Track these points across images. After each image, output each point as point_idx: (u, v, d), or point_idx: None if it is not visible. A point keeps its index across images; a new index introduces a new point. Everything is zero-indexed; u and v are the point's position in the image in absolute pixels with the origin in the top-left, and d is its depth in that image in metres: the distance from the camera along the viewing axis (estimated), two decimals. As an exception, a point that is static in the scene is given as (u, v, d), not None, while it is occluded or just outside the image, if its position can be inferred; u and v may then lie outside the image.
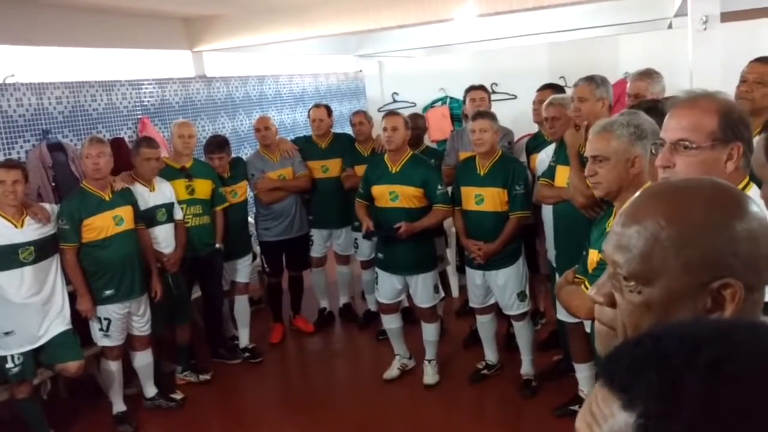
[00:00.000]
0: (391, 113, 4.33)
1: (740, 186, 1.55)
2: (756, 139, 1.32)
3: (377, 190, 4.28)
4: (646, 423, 0.54)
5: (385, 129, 4.20)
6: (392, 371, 4.53)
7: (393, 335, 4.55)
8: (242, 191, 5.06)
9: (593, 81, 3.41)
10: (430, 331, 4.42)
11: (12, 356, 3.70)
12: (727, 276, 0.86)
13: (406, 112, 5.70)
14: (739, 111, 1.60)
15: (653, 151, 1.67)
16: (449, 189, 4.30)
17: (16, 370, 3.72)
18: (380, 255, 4.38)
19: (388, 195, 4.22)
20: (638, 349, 0.59)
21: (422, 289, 4.30)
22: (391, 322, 4.51)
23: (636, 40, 6.13)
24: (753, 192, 1.47)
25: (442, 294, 4.50)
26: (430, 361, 4.46)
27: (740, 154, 1.57)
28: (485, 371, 4.41)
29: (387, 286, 4.37)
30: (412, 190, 4.16)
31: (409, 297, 4.61)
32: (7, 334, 3.67)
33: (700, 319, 0.64)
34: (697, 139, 1.57)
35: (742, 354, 0.55)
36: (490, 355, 4.42)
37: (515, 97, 6.16)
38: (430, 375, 4.43)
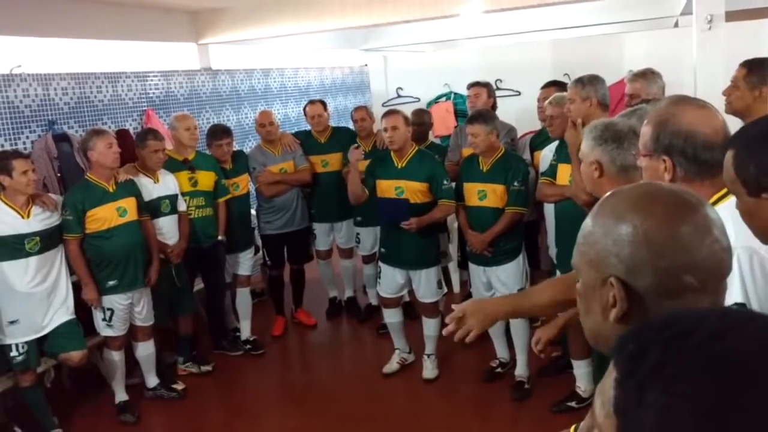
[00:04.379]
0: (391, 112, 4.30)
1: (711, 198, 1.55)
2: (726, 156, 1.35)
3: (383, 184, 4.30)
4: (618, 379, 0.64)
5: (385, 129, 4.21)
6: (392, 365, 4.56)
7: (393, 329, 4.57)
8: (244, 184, 5.08)
9: (580, 82, 3.46)
10: (430, 326, 4.43)
11: (16, 345, 3.74)
12: (612, 274, 0.93)
13: (410, 107, 5.76)
14: (679, 125, 1.60)
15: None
16: (453, 184, 4.32)
17: (20, 358, 3.76)
18: (383, 249, 4.41)
19: (394, 190, 4.24)
20: (634, 329, 0.68)
21: (425, 284, 4.33)
22: (392, 316, 4.53)
23: (641, 38, 6.12)
24: (727, 204, 1.47)
25: (446, 290, 4.53)
26: (429, 355, 4.48)
27: (671, 168, 1.59)
28: (499, 369, 4.38)
29: (390, 280, 4.39)
30: (418, 185, 4.19)
31: (410, 292, 4.63)
32: (11, 323, 3.71)
33: (698, 308, 0.71)
34: (642, 148, 1.67)
35: (701, 330, 0.61)
36: (502, 352, 4.40)
37: (519, 93, 6.15)
38: (429, 369, 4.45)
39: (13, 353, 3.74)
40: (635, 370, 0.62)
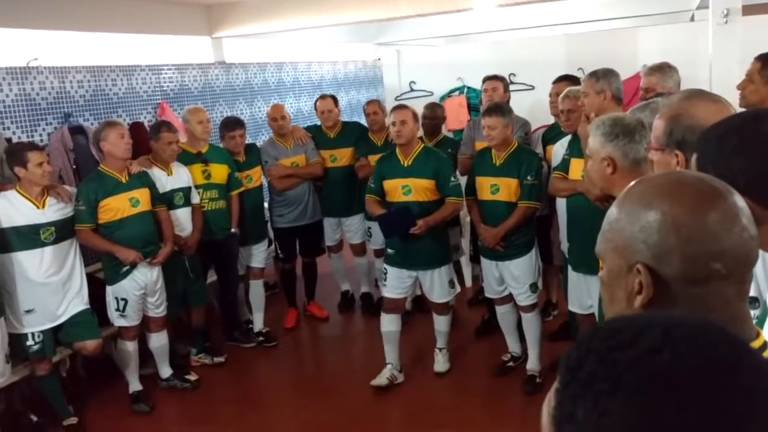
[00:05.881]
0: (400, 107, 4.24)
1: None
2: (691, 161, 1.37)
3: (390, 184, 4.22)
4: (557, 389, 0.63)
5: (393, 123, 4.15)
6: (381, 379, 4.28)
7: (389, 340, 4.33)
8: (257, 177, 5.11)
9: (594, 75, 3.43)
10: (442, 322, 4.41)
11: (32, 334, 3.79)
12: (639, 261, 0.93)
13: (423, 101, 5.77)
14: (692, 120, 1.60)
15: None
16: (465, 178, 4.31)
17: (36, 347, 3.80)
18: (391, 251, 4.27)
19: (401, 189, 4.17)
20: (586, 333, 0.66)
21: (438, 285, 4.25)
22: (391, 324, 4.32)
23: (656, 32, 6.09)
24: None
25: (458, 288, 4.47)
26: (441, 349, 4.45)
27: (683, 162, 1.59)
28: (511, 363, 4.38)
29: (396, 283, 4.27)
30: (425, 183, 4.12)
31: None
32: (28, 312, 3.76)
33: (642, 314, 0.70)
34: (654, 142, 1.67)
35: (639, 344, 0.59)
36: (514, 346, 4.39)
37: (533, 87, 6.14)
38: (441, 363, 4.43)
39: (29, 342, 3.79)
40: (570, 381, 0.61)
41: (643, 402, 0.55)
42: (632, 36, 6.07)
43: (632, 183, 1.02)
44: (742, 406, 0.55)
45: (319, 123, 5.45)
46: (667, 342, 0.59)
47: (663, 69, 3.82)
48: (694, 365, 0.57)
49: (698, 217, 0.90)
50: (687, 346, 0.59)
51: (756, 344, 0.92)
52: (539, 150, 4.67)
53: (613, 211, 0.99)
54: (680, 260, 0.90)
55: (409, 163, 4.18)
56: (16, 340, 3.79)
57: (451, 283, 4.31)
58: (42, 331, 3.80)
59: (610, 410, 0.56)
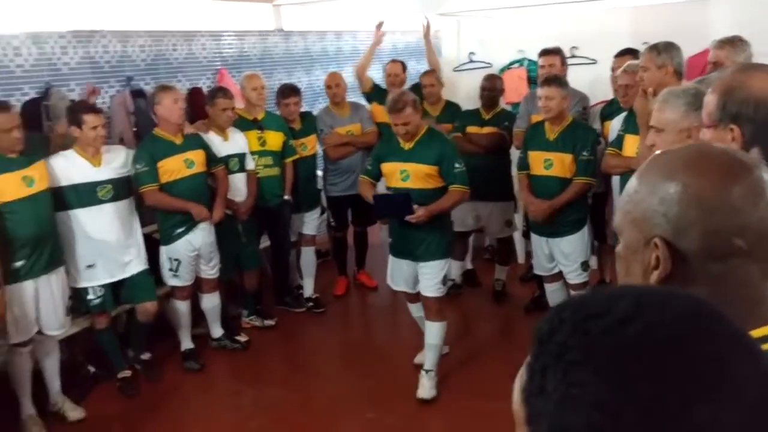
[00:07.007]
0: (398, 108, 3.67)
1: None
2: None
3: (387, 167, 3.85)
4: (528, 362, 0.61)
5: (395, 124, 3.73)
6: (422, 357, 4.11)
7: (420, 322, 4.11)
8: (312, 145, 5.14)
9: (655, 48, 3.27)
10: (432, 332, 3.89)
11: (92, 288, 3.94)
12: (657, 235, 0.89)
13: (482, 73, 5.68)
14: (748, 92, 1.51)
15: None
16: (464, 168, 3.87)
17: (96, 301, 3.95)
18: (390, 239, 4.00)
19: (399, 174, 3.79)
20: (559, 304, 0.64)
21: (428, 277, 3.83)
22: (417, 311, 4.08)
23: (729, 4, 5.79)
24: None
25: (446, 287, 4.05)
26: (428, 371, 3.89)
27: (739, 138, 1.51)
28: None
29: (398, 275, 3.97)
30: (426, 169, 3.71)
31: (474, 258, 4.45)
32: (88, 267, 3.90)
33: (627, 287, 0.66)
34: (706, 118, 1.59)
35: (611, 313, 0.57)
36: None
37: (595, 61, 5.93)
38: (425, 388, 3.84)
39: (90, 296, 3.94)
40: (540, 353, 0.59)
41: (613, 373, 0.54)
42: (703, 8, 5.79)
43: (654, 154, 0.98)
44: (712, 377, 0.53)
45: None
46: (639, 312, 0.57)
47: (734, 42, 3.63)
48: (664, 336, 0.55)
49: (721, 190, 0.87)
50: (658, 316, 0.57)
51: (760, 333, 0.86)
52: (597, 126, 4.55)
53: (632, 183, 0.96)
54: (700, 234, 0.87)
55: (411, 146, 3.78)
56: (77, 294, 3.96)
57: (443, 280, 3.90)
58: (102, 286, 3.94)
59: (579, 381, 0.54)
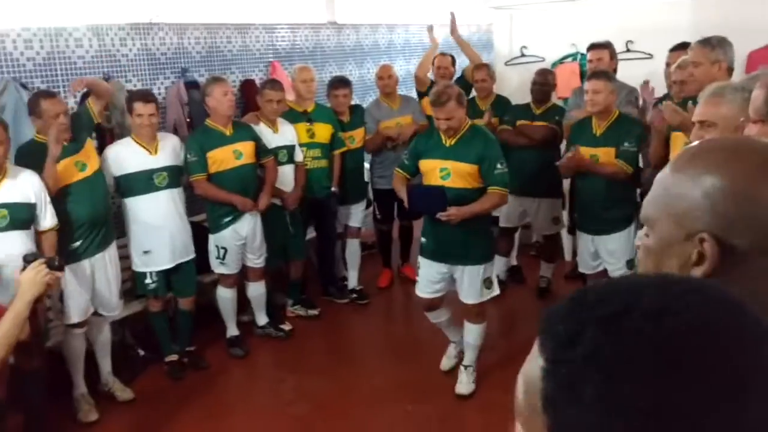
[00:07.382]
0: (441, 102, 3.51)
1: None
2: None
3: (426, 164, 3.68)
4: (546, 368, 0.55)
5: (437, 118, 3.59)
6: (449, 360, 4.10)
7: (443, 327, 4.02)
8: (360, 138, 5.17)
9: (708, 43, 3.17)
10: (472, 333, 3.84)
11: (150, 273, 4.08)
12: (704, 230, 0.86)
13: (534, 67, 5.61)
14: None
15: None
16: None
17: (153, 285, 4.10)
18: (423, 239, 3.79)
19: (439, 172, 3.60)
20: (567, 300, 0.59)
21: (468, 283, 3.70)
22: (437, 317, 3.94)
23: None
24: None
25: (497, 291, 3.87)
26: (466, 367, 3.89)
27: None
28: None
29: (427, 280, 3.78)
30: (467, 168, 3.54)
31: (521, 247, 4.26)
32: (145, 252, 4.04)
33: (640, 277, 0.61)
34: (753, 113, 1.56)
35: (639, 308, 0.54)
36: None
37: (651, 56, 5.79)
38: (464, 383, 3.86)
39: (148, 280, 4.08)
40: (567, 357, 0.53)
41: (657, 377, 0.51)
42: (766, 1, 5.58)
43: (692, 145, 0.95)
44: (754, 372, 0.52)
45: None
46: (669, 302, 0.54)
47: None
48: (698, 328, 0.53)
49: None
50: (692, 303, 0.54)
51: None
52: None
53: (668, 175, 0.92)
54: (750, 229, 0.84)
55: (453, 142, 3.61)
56: (135, 278, 4.11)
57: (487, 283, 3.74)
58: (157, 272, 4.08)
59: (622, 387, 0.51)
